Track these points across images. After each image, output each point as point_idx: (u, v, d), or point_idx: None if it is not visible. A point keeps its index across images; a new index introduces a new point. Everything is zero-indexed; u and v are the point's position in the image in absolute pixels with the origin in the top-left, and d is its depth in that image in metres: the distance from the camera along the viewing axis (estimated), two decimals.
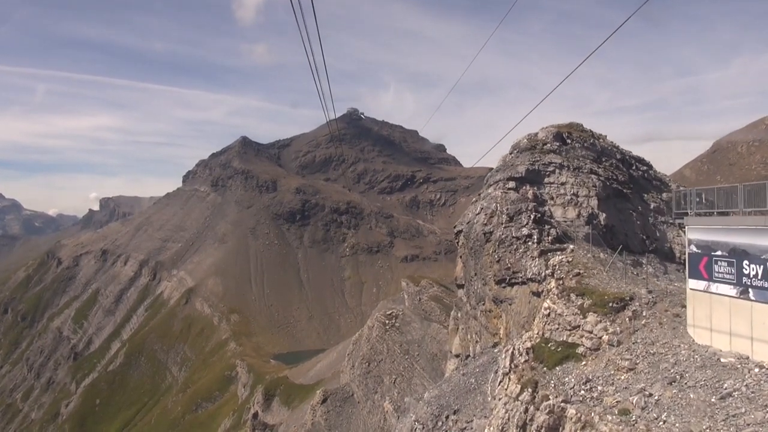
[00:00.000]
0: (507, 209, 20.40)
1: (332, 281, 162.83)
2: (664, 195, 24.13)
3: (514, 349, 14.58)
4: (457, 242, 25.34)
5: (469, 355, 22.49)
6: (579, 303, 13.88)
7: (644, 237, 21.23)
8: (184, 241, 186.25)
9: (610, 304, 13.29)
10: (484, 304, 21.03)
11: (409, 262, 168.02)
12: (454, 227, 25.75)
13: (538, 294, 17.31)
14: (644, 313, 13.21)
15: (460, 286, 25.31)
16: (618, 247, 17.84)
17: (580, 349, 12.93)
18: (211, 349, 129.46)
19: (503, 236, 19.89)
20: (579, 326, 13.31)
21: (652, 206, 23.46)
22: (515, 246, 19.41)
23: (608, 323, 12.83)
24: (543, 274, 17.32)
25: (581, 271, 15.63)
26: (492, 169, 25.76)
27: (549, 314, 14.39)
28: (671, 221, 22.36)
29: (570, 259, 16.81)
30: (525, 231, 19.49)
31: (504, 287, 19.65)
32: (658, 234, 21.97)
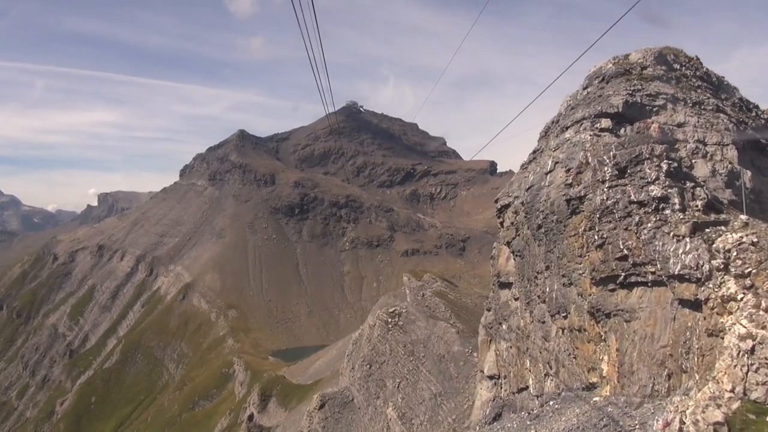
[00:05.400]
0: (614, 157, 12.26)
1: (332, 276, 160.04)
2: None
3: (685, 421, 7.99)
4: (501, 222, 17.63)
5: (525, 388, 15.56)
6: None
7: None
8: (181, 236, 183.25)
9: None
10: (565, 317, 13.56)
11: (410, 257, 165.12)
12: (496, 200, 17.89)
13: (694, 304, 10.17)
14: None
15: (505, 285, 17.85)
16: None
17: None
18: (209, 346, 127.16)
19: (609, 202, 11.93)
20: None
21: None
22: (637, 218, 11.41)
23: None
24: (705, 266, 9.82)
25: None
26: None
27: (752, 350, 8.01)
28: None
29: (755, 240, 9.44)
30: (655, 191, 11.37)
31: (613, 290, 11.94)
32: None
